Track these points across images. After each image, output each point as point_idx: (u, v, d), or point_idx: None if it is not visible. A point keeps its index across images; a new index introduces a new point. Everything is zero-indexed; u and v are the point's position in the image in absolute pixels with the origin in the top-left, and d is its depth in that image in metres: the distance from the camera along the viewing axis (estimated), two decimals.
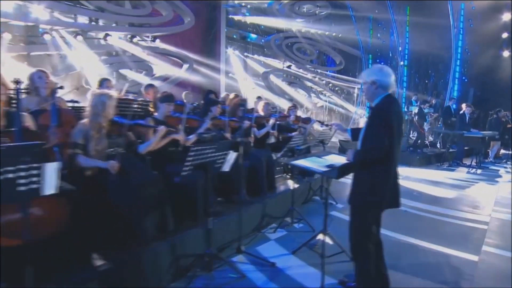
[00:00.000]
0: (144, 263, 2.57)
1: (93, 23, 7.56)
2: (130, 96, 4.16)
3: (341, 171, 2.23)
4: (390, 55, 17.02)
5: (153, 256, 2.65)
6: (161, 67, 8.94)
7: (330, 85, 15.31)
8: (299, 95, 13.70)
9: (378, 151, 2.24)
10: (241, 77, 12.37)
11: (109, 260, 2.39)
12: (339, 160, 2.55)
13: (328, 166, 2.41)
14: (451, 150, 9.42)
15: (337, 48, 14.82)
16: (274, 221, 3.94)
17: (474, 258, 3.23)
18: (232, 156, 2.86)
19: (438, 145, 10.11)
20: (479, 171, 7.99)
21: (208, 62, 10.94)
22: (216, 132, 3.81)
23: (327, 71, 15.64)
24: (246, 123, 4.09)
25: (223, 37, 13.39)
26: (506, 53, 13.26)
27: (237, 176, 3.82)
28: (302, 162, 2.41)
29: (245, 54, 13.96)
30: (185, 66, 9.68)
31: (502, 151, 10.05)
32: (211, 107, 4.07)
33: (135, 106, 3.67)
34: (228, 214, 3.43)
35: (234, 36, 15.06)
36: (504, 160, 9.39)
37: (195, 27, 10.64)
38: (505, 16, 13.09)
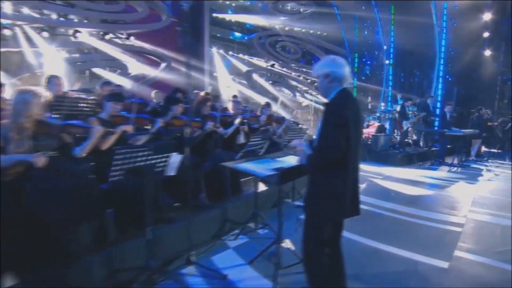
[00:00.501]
0: (70, 279, 2.25)
1: (61, 18, 7.15)
2: (83, 95, 3.82)
3: (285, 175, 1.94)
4: (376, 54, 16.97)
5: (84, 271, 2.34)
6: (137, 66, 8.57)
7: (316, 84, 15.10)
8: (284, 94, 13.44)
9: (332, 153, 1.97)
10: (224, 77, 12.07)
11: (26, 278, 2.07)
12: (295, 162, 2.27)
13: (275, 169, 2.13)
14: (433, 148, 9.28)
15: (322, 46, 14.61)
16: (237, 227, 3.65)
17: (444, 265, 2.99)
18: (175, 158, 2.56)
19: (421, 144, 9.95)
20: (460, 169, 7.84)
21: (190, 61, 10.59)
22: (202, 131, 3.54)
23: (312, 70, 15.46)
24: (210, 123, 3.79)
25: (207, 36, 13.08)
26: (487, 52, 13.26)
27: (196, 179, 3.54)
28: (246, 166, 2.12)
29: (230, 53, 13.68)
30: (163, 65, 9.32)
31: (484, 148, 9.95)
32: (172, 106, 3.77)
33: (82, 105, 3.33)
34: (180, 221, 3.13)
35: (218, 35, 14.76)
36: (486, 158, 9.28)
37: (177, 25, 10.32)
38: (486, 16, 13.11)
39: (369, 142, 9.06)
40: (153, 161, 2.41)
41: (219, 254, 3.14)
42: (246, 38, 13.40)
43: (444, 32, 14.31)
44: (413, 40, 14.91)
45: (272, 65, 12.71)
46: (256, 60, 13.29)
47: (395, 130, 10.49)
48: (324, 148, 2.02)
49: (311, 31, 14.04)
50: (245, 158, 3.26)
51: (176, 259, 2.88)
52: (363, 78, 17.82)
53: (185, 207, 3.44)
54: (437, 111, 13.33)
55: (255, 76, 12.27)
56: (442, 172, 7.53)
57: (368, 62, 17.65)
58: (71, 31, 7.40)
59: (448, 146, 9.24)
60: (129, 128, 2.99)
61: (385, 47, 16.01)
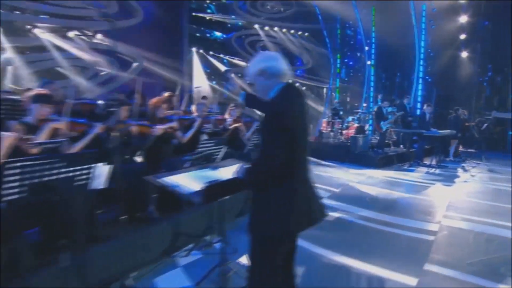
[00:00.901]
0: None
1: (17, 12, 6.60)
2: (11, 95, 3.37)
3: (212, 192, 1.59)
4: (358, 55, 16.85)
5: None
6: (104, 66, 8.07)
7: (297, 84, 14.84)
8: None
9: (272, 163, 1.64)
10: (200, 77, 11.65)
11: None
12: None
13: (209, 182, 1.78)
14: (412, 149, 9.17)
15: (304, 47, 14.39)
16: (192, 241, 3.28)
17: (413, 282, 2.71)
18: (102, 170, 2.17)
19: (401, 145, 9.84)
20: (438, 171, 7.71)
21: (168, 61, 10.19)
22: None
23: (294, 70, 15.19)
24: (157, 128, 3.40)
25: (186, 35, 12.66)
26: (464, 54, 13.33)
27: (144, 189, 3.15)
28: (173, 179, 1.76)
29: (210, 53, 13.28)
30: (135, 65, 8.85)
31: (461, 148, 9.92)
32: (116, 109, 3.37)
33: (5, 107, 2.89)
34: (121, 238, 2.74)
35: (198, 35, 14.33)
36: (463, 158, 9.23)
37: (154, 24, 9.86)
38: (462, 18, 13.19)
39: (348, 143, 8.85)
40: (70, 174, 2.02)
41: (164, 274, 2.76)
42: (223, 37, 13.02)
43: (423, 34, 14.34)
44: (394, 41, 14.80)
45: None
46: (237, 61, 12.95)
47: (375, 131, 10.34)
48: (263, 158, 1.69)
49: (292, 31, 13.79)
50: (196, 166, 2.91)
51: (108, 284, 2.49)
52: (346, 79, 17.69)
53: (130, 221, 3.05)
54: (417, 112, 13.39)
55: (234, 77, 11.90)
56: (420, 174, 7.37)
57: (351, 63, 17.47)
58: (28, 27, 6.84)
59: (427, 147, 9.17)
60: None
61: (366, 48, 15.89)
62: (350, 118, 9.95)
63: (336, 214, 4.36)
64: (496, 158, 9.71)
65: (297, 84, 1.99)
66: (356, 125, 9.62)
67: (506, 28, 11.48)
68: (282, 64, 1.77)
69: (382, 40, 15.46)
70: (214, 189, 1.61)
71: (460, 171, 7.76)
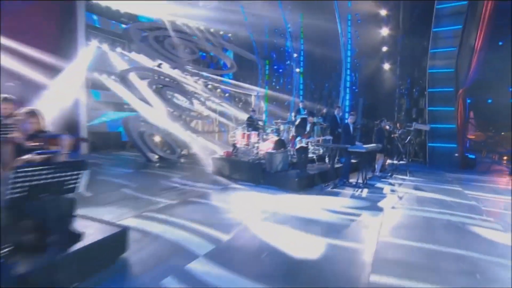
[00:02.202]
0: None
1: None
2: None
3: None
4: (288, 62, 15.81)
5: None
6: None
7: (219, 90, 12.98)
8: (177, 101, 10.88)
9: None
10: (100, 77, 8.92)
11: None
12: None
13: None
14: (338, 165, 7.91)
15: (226, 49, 12.62)
16: None
17: None
18: None
19: (326, 160, 8.53)
20: (365, 192, 6.41)
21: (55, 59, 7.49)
22: None
23: (220, 75, 13.31)
24: None
25: (82, 27, 9.80)
26: (386, 66, 13.07)
27: None
28: None
29: (118, 49, 10.57)
30: None
31: (388, 160, 9.06)
32: None
33: None
34: None
35: (97, 25, 11.48)
36: (390, 174, 8.26)
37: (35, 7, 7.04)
38: (384, 31, 12.98)
39: (263, 161, 7.14)
40: None
41: None
42: (122, 26, 10.49)
43: (349, 43, 13.88)
44: (322, 49, 14.25)
45: (159, 65, 10.06)
46: (142, 58, 10.46)
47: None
48: None
49: (212, 29, 11.89)
50: None
51: None
52: (277, 87, 16.52)
53: None
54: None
55: (132, 77, 9.43)
56: (344, 200, 5.91)
57: (280, 70, 16.41)
58: None
59: (354, 161, 8.02)
60: None
61: (295, 55, 14.92)
62: (269, 129, 8.28)
63: None
64: (419, 172, 9.04)
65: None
66: (275, 138, 7.98)
67: (421, 42, 11.37)
68: None
69: (310, 47, 14.88)
70: None
71: (387, 191, 6.57)
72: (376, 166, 8.22)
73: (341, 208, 5.28)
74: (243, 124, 8.40)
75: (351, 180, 7.24)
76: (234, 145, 8.29)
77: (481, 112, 13.06)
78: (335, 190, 6.63)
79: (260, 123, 9.20)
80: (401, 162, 10.06)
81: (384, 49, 12.78)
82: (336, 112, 8.43)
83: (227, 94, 13.34)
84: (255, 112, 8.47)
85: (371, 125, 11.33)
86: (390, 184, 7.40)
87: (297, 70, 14.76)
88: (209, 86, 12.31)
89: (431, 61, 10.87)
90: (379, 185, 7.26)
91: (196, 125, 11.82)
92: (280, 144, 7.76)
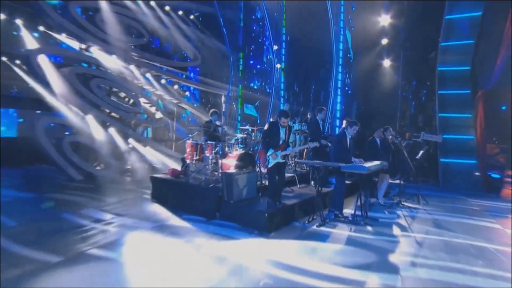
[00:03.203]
0: None
1: None
2: None
3: None
4: (267, 56, 14.33)
5: None
6: None
7: (176, 87, 11.23)
8: (117, 99, 9.03)
9: None
10: None
11: None
12: None
13: None
14: (326, 189, 6.35)
15: (185, 33, 10.98)
16: None
17: None
18: None
19: (311, 181, 6.96)
20: (366, 234, 4.83)
21: None
22: None
23: (184, 68, 11.58)
24: None
25: None
26: (387, 62, 11.87)
27: None
28: None
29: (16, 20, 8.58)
30: None
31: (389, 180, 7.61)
32: None
33: None
34: None
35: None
36: (396, 201, 6.76)
37: None
38: (383, 19, 11.80)
39: (219, 185, 5.45)
40: None
41: None
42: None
43: (341, 34, 12.61)
44: (308, 41, 12.96)
45: (87, 48, 8.20)
46: (61, 36, 8.48)
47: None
48: None
49: (167, 7, 10.23)
50: None
51: None
52: (253, 86, 15.01)
53: None
54: (336, 131, 11.66)
55: (43, 62, 7.51)
56: (336, 248, 4.27)
57: (258, 66, 14.94)
58: None
59: (348, 182, 6.51)
60: None
61: (275, 48, 13.48)
62: (233, 139, 6.62)
63: None
64: (432, 197, 7.63)
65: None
66: (240, 151, 6.36)
67: (432, 33, 10.25)
68: None
69: (294, 39, 13.58)
70: None
71: (398, 233, 5.00)
72: (378, 190, 6.70)
73: (332, 267, 3.62)
74: (194, 131, 6.66)
75: (345, 211, 5.66)
76: (183, 161, 6.57)
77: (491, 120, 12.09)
78: (322, 229, 5.00)
79: (226, 128, 7.54)
80: (404, 182, 8.86)
81: (384, 41, 11.60)
82: (318, 115, 6.81)
83: (187, 93, 11.61)
84: (218, 115, 6.78)
85: (367, 135, 10.08)
86: (399, 217, 5.87)
87: (278, 65, 13.36)
88: (163, 82, 10.53)
89: (442, 56, 9.76)
90: (384, 219, 5.71)
91: (143, 131, 10.01)
92: (246, 160, 6.12)
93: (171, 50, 11.25)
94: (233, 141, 6.63)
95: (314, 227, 5.08)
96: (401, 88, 11.53)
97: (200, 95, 12.98)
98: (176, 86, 11.16)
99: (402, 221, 5.63)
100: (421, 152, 7.20)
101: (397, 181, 8.17)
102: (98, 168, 8.65)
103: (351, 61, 13.03)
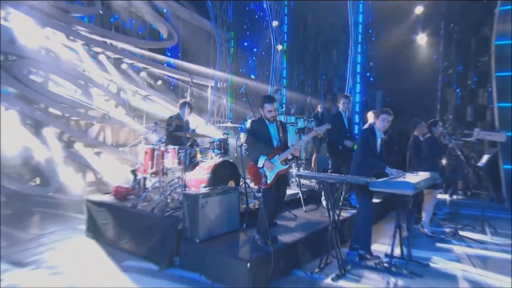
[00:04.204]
0: None
1: None
2: None
3: None
4: (264, 35, 13.17)
5: None
6: None
7: (144, 74, 9.95)
8: (55, 89, 7.77)
9: None
10: None
11: None
12: None
13: None
14: (347, 207, 5.14)
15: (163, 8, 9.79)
16: None
17: None
18: None
19: (323, 200, 5.71)
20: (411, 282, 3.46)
21: None
22: None
23: (160, 51, 10.39)
24: None
25: None
26: (422, 38, 10.62)
27: None
28: None
29: None
30: None
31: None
32: None
33: None
34: None
35: None
36: (451, 230, 5.34)
37: None
38: None
39: (179, 214, 4.16)
40: None
41: None
42: None
43: (361, 2, 11.41)
44: (317, 14, 12.25)
45: (5, 17, 6.91)
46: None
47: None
48: None
49: None
50: None
51: None
52: (248, 74, 13.88)
53: None
54: (356, 129, 10.66)
55: None
56: None
57: (255, 50, 13.84)
58: None
59: (377, 200, 5.67)
60: None
61: (275, 24, 12.36)
62: (209, 143, 5.30)
63: None
64: (500, 221, 6.18)
65: None
66: (216, 159, 5.10)
67: None
68: None
69: (299, 13, 12.55)
70: None
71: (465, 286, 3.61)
72: (423, 214, 5.31)
73: None
74: (151, 130, 5.35)
75: (375, 248, 4.43)
76: (134, 173, 5.29)
77: None
78: (341, 284, 3.63)
79: (199, 129, 6.28)
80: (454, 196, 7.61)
81: (419, 10, 10.36)
82: (341, 106, 5.65)
83: (159, 82, 10.34)
84: (189, 108, 5.47)
85: (397, 133, 9.02)
86: (460, 259, 4.45)
87: (279, 47, 12.29)
88: (124, 67, 9.22)
89: (501, 26, 8.39)
90: (437, 262, 4.30)
91: (98, 133, 8.75)
92: (224, 174, 4.81)
93: (137, 25, 9.98)
94: (208, 145, 5.29)
95: (329, 280, 3.71)
96: (442, 72, 10.34)
97: (178, 85, 11.77)
98: (143, 73, 9.87)
99: (467, 267, 4.21)
100: (487, 156, 5.82)
101: (445, 196, 7.03)
102: (32, 184, 7.45)
103: (373, 38, 11.80)
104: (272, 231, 4.07)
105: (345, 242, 4.68)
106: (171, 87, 12.02)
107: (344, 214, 5.10)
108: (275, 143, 3.91)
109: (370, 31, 11.71)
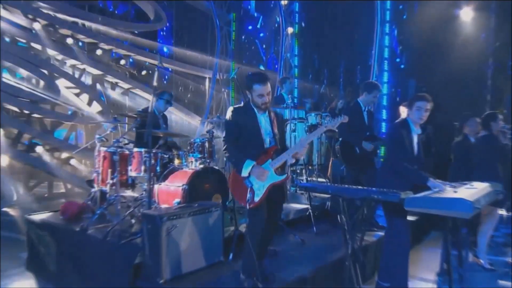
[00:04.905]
0: None
1: None
2: None
3: None
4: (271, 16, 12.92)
5: None
6: None
7: (123, 62, 9.54)
8: (11, 81, 7.41)
9: None
10: None
11: None
12: None
13: None
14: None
15: None
16: None
17: None
18: None
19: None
20: None
21: None
22: None
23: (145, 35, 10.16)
24: None
25: None
26: (467, 13, 10.27)
27: None
28: None
29: None
30: None
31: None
32: None
33: None
34: None
35: None
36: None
37: None
38: None
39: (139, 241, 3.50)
40: None
41: None
42: None
43: None
44: None
45: None
46: None
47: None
48: None
49: None
50: None
51: None
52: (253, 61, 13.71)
53: None
54: (383, 125, 10.66)
55: None
56: None
57: (261, 34, 13.61)
58: None
59: (411, 218, 4.88)
60: None
61: (283, 3, 12.13)
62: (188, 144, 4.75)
63: None
64: None
65: None
66: (196, 165, 4.48)
67: None
68: None
69: None
70: None
71: None
72: (479, 239, 4.54)
73: None
74: (109, 128, 4.80)
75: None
76: (90, 184, 4.71)
77: None
78: None
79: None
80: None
81: None
82: (361, 97, 5.14)
83: (144, 73, 9.96)
84: (168, 100, 4.87)
85: (433, 131, 8.41)
86: None
87: (289, 29, 12.09)
88: (99, 53, 8.78)
89: None
90: None
91: (68, 133, 8.40)
92: (202, 187, 4.16)
93: (116, 4, 9.60)
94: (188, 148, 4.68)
95: None
96: (493, 54, 9.92)
97: (170, 76, 11.48)
98: (123, 61, 9.43)
99: None
100: None
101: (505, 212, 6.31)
102: None
103: (404, 16, 11.56)
104: (268, 264, 3.36)
105: (370, 278, 4.08)
106: (164, 80, 11.75)
107: (368, 237, 4.44)
108: (267, 141, 3.15)
109: (400, 7, 11.47)
